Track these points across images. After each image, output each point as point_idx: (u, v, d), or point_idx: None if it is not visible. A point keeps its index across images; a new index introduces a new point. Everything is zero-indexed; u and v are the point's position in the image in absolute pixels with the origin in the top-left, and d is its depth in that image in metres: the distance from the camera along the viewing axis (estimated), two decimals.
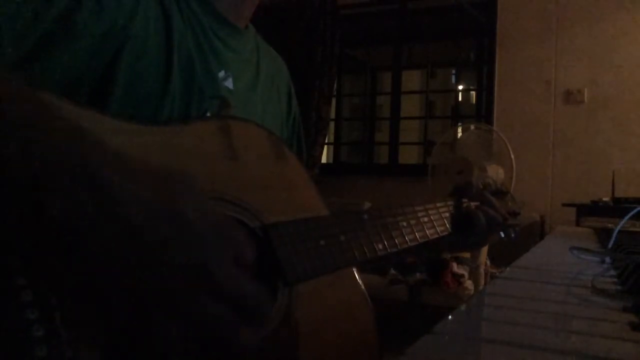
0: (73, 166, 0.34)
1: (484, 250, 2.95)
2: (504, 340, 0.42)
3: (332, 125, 4.57)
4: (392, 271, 3.11)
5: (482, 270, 2.94)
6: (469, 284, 2.93)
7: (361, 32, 4.45)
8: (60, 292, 0.35)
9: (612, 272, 0.75)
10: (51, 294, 0.35)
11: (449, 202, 0.83)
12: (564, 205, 3.14)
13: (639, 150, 3.43)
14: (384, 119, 4.78)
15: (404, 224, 0.69)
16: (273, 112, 0.80)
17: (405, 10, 4.28)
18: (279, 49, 0.88)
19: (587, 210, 2.95)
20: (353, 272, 0.63)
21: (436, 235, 0.75)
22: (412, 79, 5.81)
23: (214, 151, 0.54)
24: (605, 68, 3.56)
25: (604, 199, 2.99)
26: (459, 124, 3.87)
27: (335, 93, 4.44)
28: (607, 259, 0.84)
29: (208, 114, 0.64)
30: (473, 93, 5.35)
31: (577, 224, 2.82)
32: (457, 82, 6.83)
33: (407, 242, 0.68)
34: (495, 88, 3.88)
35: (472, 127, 3.43)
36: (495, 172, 2.81)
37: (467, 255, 2.97)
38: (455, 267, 2.95)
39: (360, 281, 0.63)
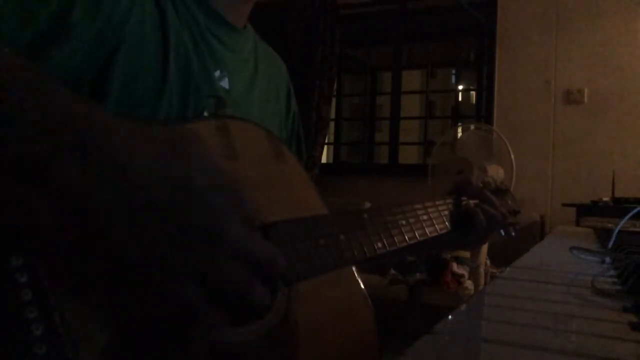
0: (83, 138, 0.35)
1: (484, 250, 2.95)
2: (504, 340, 0.42)
3: (332, 125, 4.57)
4: (392, 271, 3.11)
5: (482, 270, 2.95)
6: (469, 284, 2.94)
7: (361, 32, 4.45)
8: (63, 286, 0.35)
9: (612, 272, 0.75)
10: (51, 294, 0.35)
11: (449, 201, 0.82)
12: (564, 205, 3.14)
13: (639, 150, 3.43)
14: (384, 119, 4.78)
15: (403, 222, 0.69)
16: (272, 111, 0.80)
17: (405, 10, 4.28)
18: (279, 49, 0.88)
19: (587, 210, 2.95)
20: (353, 271, 0.63)
21: (436, 234, 0.75)
22: (412, 79, 5.82)
23: (212, 151, 0.54)
24: (605, 68, 3.56)
25: (604, 199, 2.99)
26: (459, 124, 3.87)
27: (335, 93, 4.44)
28: (607, 259, 0.84)
29: (205, 114, 0.64)
30: (473, 93, 5.35)
31: (577, 224, 2.82)
32: (457, 82, 6.83)
33: (406, 240, 0.68)
34: (495, 88, 3.88)
35: (472, 127, 3.43)
36: (495, 172, 2.81)
37: (467, 255, 2.97)
38: (455, 267, 2.95)
39: (360, 281, 0.62)
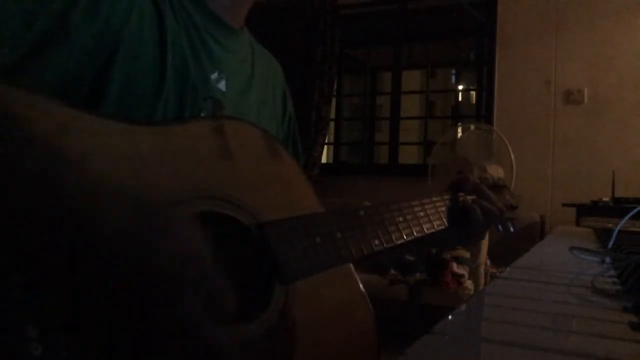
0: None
1: (484, 250, 2.95)
2: (504, 340, 0.42)
3: (332, 125, 4.57)
4: (392, 271, 3.11)
5: (482, 270, 2.94)
6: (469, 284, 2.93)
7: (361, 32, 4.45)
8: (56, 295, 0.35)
9: (612, 272, 0.75)
10: (47, 295, 0.35)
11: (446, 197, 0.82)
12: (564, 205, 3.14)
13: (639, 150, 3.43)
14: (384, 119, 4.78)
15: (400, 219, 0.69)
16: (268, 113, 0.80)
17: (405, 10, 4.28)
18: (278, 49, 0.88)
19: (587, 210, 2.95)
20: (351, 271, 0.62)
21: (433, 230, 0.75)
22: (412, 79, 5.81)
23: (209, 150, 0.54)
24: (605, 68, 3.56)
25: (604, 199, 2.99)
26: (459, 124, 3.87)
27: (335, 93, 4.44)
28: (607, 259, 0.84)
29: (202, 114, 0.64)
30: (473, 93, 5.35)
31: (577, 224, 2.82)
32: (457, 82, 6.83)
33: (403, 237, 0.67)
34: (495, 88, 3.88)
35: (472, 127, 3.43)
36: (495, 172, 2.81)
37: (467, 255, 2.97)
38: (455, 267, 2.95)
39: (358, 280, 0.62)
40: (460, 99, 6.34)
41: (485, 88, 3.99)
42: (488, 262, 3.07)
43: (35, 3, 0.50)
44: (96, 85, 0.55)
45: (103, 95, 0.55)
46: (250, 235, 0.52)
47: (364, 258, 0.61)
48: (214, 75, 0.68)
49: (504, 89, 3.86)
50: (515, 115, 3.78)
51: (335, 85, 4.34)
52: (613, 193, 2.98)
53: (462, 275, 2.93)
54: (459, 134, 3.41)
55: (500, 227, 0.91)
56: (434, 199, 0.79)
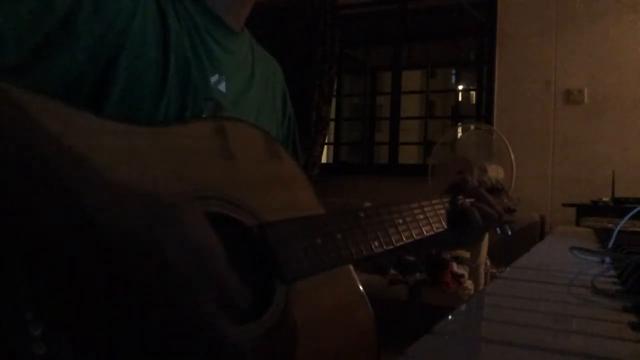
0: (51, 186, 0.34)
1: (484, 250, 2.95)
2: (504, 340, 0.42)
3: (332, 125, 4.57)
4: (392, 271, 3.11)
5: (482, 270, 2.94)
6: (469, 284, 2.93)
7: (361, 32, 4.45)
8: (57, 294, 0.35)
9: (612, 272, 0.75)
10: (52, 293, 0.35)
11: (445, 199, 0.83)
12: (564, 205, 3.14)
13: (639, 150, 3.43)
14: (384, 119, 4.78)
15: (400, 221, 0.69)
16: (268, 114, 0.80)
17: (405, 10, 4.28)
18: (278, 49, 0.88)
19: (587, 210, 2.95)
20: (351, 271, 0.63)
21: (432, 232, 0.75)
22: (412, 79, 5.81)
23: (210, 151, 0.54)
24: (605, 68, 3.56)
25: (604, 199, 2.99)
26: (459, 124, 3.87)
27: (335, 93, 4.45)
28: (607, 259, 0.84)
29: (203, 115, 0.64)
30: (473, 93, 5.35)
31: (577, 224, 2.82)
32: (457, 82, 6.83)
33: (403, 239, 0.68)
34: (495, 88, 3.89)
35: (472, 127, 3.43)
36: (495, 172, 2.81)
37: (467, 255, 2.97)
38: (455, 267, 2.95)
39: (358, 281, 0.63)
40: (460, 99, 6.34)
41: (485, 88, 3.99)
42: (488, 262, 3.07)
43: (39, 5, 0.50)
44: (99, 85, 0.55)
45: (106, 95, 0.55)
46: (251, 236, 0.52)
47: (364, 259, 0.61)
48: (214, 77, 0.68)
49: (504, 89, 3.86)
50: (515, 115, 3.78)
51: (335, 85, 4.34)
52: (613, 193, 2.98)
53: (462, 275, 2.93)
54: (459, 134, 3.41)
55: (498, 230, 0.92)
56: (433, 201, 0.79)
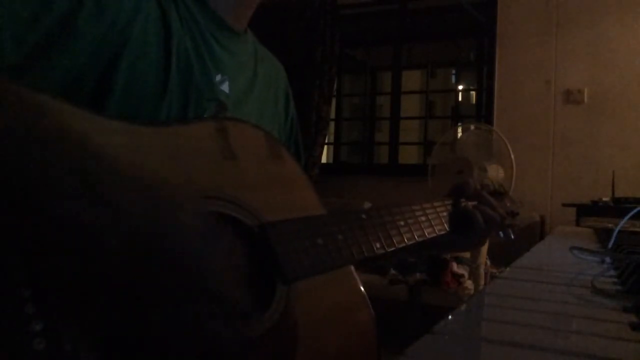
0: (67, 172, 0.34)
1: (484, 250, 2.95)
2: (504, 340, 0.42)
3: (332, 125, 4.57)
4: (392, 271, 3.11)
5: (482, 270, 2.94)
6: (469, 284, 2.94)
7: (361, 32, 4.45)
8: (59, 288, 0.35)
9: (612, 272, 0.75)
10: (52, 289, 0.35)
11: (447, 202, 0.83)
12: (564, 205, 3.14)
13: (639, 150, 3.43)
14: (384, 119, 4.78)
15: (402, 223, 0.69)
16: (270, 115, 0.80)
17: (405, 10, 4.28)
18: (279, 49, 0.88)
19: (587, 210, 2.95)
20: (352, 271, 0.63)
21: (434, 234, 0.75)
22: (412, 79, 5.81)
23: (212, 151, 0.54)
24: (605, 68, 3.56)
25: (604, 199, 2.99)
26: (459, 124, 3.87)
27: (335, 93, 4.44)
28: (607, 259, 0.84)
29: (205, 116, 0.64)
30: (473, 93, 5.35)
31: (577, 224, 2.82)
32: (457, 82, 6.83)
33: (404, 241, 0.68)
34: (495, 88, 3.88)
35: (472, 127, 3.43)
36: (495, 172, 2.81)
37: (467, 255, 2.97)
38: (455, 267, 2.95)
39: (359, 281, 0.63)
40: (460, 99, 6.33)
41: (485, 88, 3.99)
42: (488, 262, 3.07)
43: (40, 4, 0.50)
44: (100, 85, 0.55)
45: (107, 95, 0.55)
46: (252, 236, 0.52)
47: (365, 260, 0.61)
48: (218, 78, 0.68)
49: (504, 89, 3.86)
50: (515, 115, 3.78)
51: (335, 85, 4.34)
52: (613, 193, 2.98)
53: (462, 275, 2.94)
54: (459, 134, 3.41)
55: (501, 233, 0.92)
56: (436, 203, 0.79)
